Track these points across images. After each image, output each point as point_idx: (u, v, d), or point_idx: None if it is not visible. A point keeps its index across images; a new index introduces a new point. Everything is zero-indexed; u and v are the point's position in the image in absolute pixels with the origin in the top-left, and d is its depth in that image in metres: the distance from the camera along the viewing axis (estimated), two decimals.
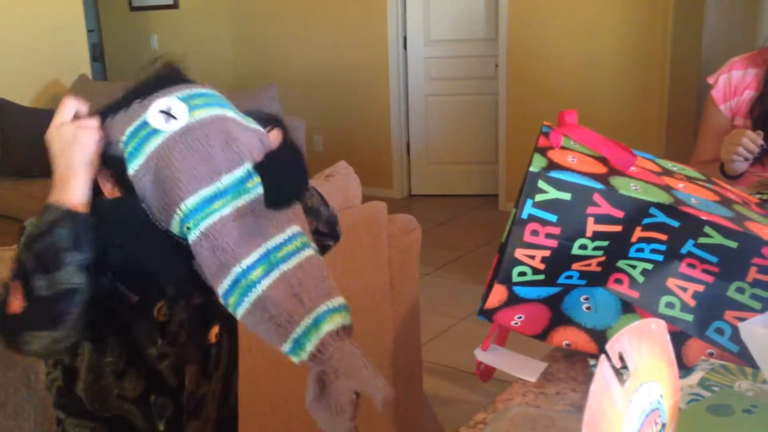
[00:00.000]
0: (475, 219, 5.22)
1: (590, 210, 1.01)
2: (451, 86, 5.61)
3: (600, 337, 1.07)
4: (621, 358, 0.56)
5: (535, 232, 1.01)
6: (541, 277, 1.04)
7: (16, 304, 0.86)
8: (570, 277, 1.05)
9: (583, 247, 1.02)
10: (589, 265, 1.04)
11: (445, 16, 5.48)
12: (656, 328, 0.63)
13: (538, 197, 1.00)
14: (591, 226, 1.01)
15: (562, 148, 1.08)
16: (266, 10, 6.07)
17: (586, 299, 1.08)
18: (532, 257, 1.02)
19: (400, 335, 2.31)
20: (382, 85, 5.67)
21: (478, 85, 5.53)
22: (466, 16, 5.42)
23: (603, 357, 0.55)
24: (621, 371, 0.55)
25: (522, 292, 1.06)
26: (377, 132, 5.78)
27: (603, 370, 0.54)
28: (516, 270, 1.03)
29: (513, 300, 1.06)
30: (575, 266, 1.04)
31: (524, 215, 1.01)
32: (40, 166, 4.46)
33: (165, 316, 1.03)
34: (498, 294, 1.06)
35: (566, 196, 1.00)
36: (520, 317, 1.08)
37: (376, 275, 2.17)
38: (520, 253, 1.02)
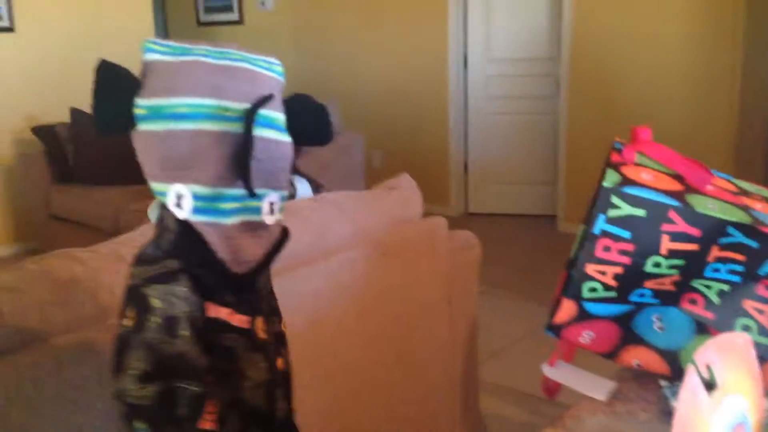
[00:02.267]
0: (533, 239, 5.17)
1: (665, 227, 0.99)
2: (511, 105, 5.59)
3: (672, 359, 1.05)
4: (708, 369, 0.55)
5: (607, 248, 1.00)
6: (613, 294, 1.02)
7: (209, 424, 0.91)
8: (643, 295, 1.04)
9: (657, 264, 1.00)
10: (662, 283, 1.02)
11: (506, 35, 5.47)
12: (742, 342, 0.62)
13: (612, 213, 0.99)
14: (666, 244, 0.99)
15: (636, 164, 1.07)
16: (328, 27, 6.15)
17: (659, 319, 1.06)
18: (604, 273, 1.01)
19: (456, 352, 2.30)
20: (441, 103, 5.68)
21: (538, 104, 5.50)
22: (528, 35, 5.40)
23: (692, 367, 0.54)
24: (708, 382, 0.54)
25: (592, 308, 1.04)
26: (436, 149, 5.78)
27: (691, 379, 0.53)
28: (586, 285, 1.02)
29: (583, 316, 1.05)
30: (648, 284, 1.02)
31: (596, 230, 1.00)
32: (109, 175, 4.61)
33: (265, 332, 1.01)
34: (567, 309, 1.05)
35: (641, 212, 0.98)
36: (590, 334, 1.06)
37: (434, 290, 2.17)
38: (591, 269, 1.01)
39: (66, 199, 4.53)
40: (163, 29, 7.27)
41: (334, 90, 6.13)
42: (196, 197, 0.94)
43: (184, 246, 0.96)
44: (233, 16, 6.70)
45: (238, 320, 0.98)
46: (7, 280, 1.36)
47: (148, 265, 0.96)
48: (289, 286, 1.68)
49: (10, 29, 4.86)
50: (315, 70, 6.33)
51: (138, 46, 5.34)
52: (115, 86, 0.92)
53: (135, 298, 0.94)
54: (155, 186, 0.94)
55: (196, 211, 0.94)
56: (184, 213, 0.94)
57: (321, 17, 6.19)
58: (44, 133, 4.71)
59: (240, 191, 0.96)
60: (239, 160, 0.94)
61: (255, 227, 0.98)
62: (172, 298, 0.94)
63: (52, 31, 5.09)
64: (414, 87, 5.80)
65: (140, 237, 1.57)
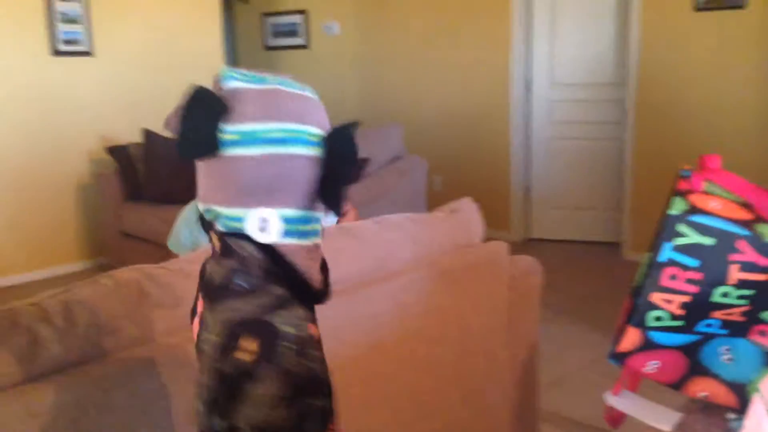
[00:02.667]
0: (596, 266, 5.08)
1: (734, 257, 0.97)
2: (575, 130, 5.54)
3: (740, 391, 1.02)
4: None
5: (673, 277, 0.99)
6: (680, 323, 1.01)
7: None
8: (710, 325, 1.02)
9: (725, 294, 0.98)
10: (731, 314, 1.00)
11: (571, 60, 5.43)
12: None
13: (678, 241, 0.98)
14: (735, 274, 0.97)
15: (704, 192, 1.05)
16: (391, 51, 6.22)
17: (727, 350, 1.04)
18: (670, 302, 1.00)
19: (516, 379, 2.28)
20: (504, 127, 5.67)
21: (603, 129, 5.43)
22: (593, 60, 5.35)
23: (757, 396, 0.53)
24: None
25: (658, 337, 1.03)
26: (497, 173, 5.76)
27: (756, 408, 0.52)
28: (652, 314, 1.01)
29: (648, 345, 1.03)
30: (716, 314, 1.00)
31: (662, 259, 0.99)
32: (177, 194, 4.75)
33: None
34: (631, 338, 1.03)
35: (709, 241, 0.97)
36: (655, 363, 1.05)
37: (495, 316, 2.15)
38: (656, 297, 1.00)
39: (135, 217, 4.68)
40: (232, 54, 7.46)
41: (396, 114, 6.18)
42: (286, 220, 0.97)
43: (278, 271, 0.98)
44: (300, 40, 6.84)
45: (318, 335, 1.02)
46: (82, 295, 1.41)
47: (253, 296, 0.96)
48: (350, 307, 1.70)
49: (88, 53, 5.07)
50: (378, 94, 6.40)
51: (208, 71, 5.52)
52: (205, 111, 0.94)
53: (257, 328, 0.94)
54: (230, 212, 0.96)
55: (287, 234, 0.97)
56: (270, 237, 0.96)
57: (385, 42, 6.26)
58: (118, 152, 4.89)
59: (318, 214, 1.00)
60: (334, 184, 0.97)
61: (317, 249, 1.03)
62: (298, 321, 0.96)
63: (128, 56, 5.30)
64: (476, 111, 5.80)
65: (204, 255, 1.61)
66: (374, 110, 6.38)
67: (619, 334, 1.06)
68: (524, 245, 5.62)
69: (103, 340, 1.37)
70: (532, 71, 5.57)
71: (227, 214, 0.97)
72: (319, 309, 1.31)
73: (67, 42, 4.96)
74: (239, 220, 0.96)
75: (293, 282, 0.99)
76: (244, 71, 0.99)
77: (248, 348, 0.93)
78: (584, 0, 5.30)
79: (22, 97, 4.81)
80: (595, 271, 4.97)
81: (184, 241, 2.43)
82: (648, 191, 5.01)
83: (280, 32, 7.01)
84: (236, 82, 0.97)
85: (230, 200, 0.96)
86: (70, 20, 4.95)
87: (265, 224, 0.96)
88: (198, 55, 5.65)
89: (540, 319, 2.40)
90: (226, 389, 0.94)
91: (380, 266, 1.88)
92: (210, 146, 0.94)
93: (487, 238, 2.30)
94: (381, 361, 1.80)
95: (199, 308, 1.03)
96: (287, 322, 0.95)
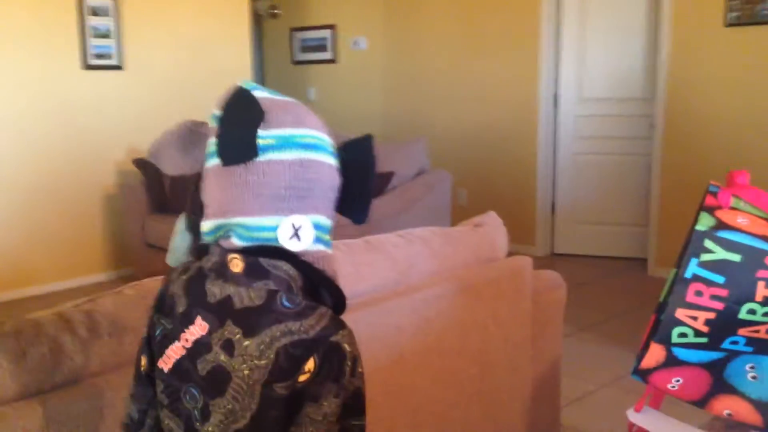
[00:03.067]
0: (622, 282, 5.03)
1: (761, 273, 0.96)
2: (601, 145, 5.50)
3: (765, 409, 1.00)
4: None
5: (699, 293, 0.97)
6: (704, 340, 0.99)
7: None
8: (735, 342, 1.00)
9: (751, 312, 0.97)
10: (757, 331, 0.99)
11: (599, 75, 5.41)
12: None
13: (705, 257, 0.97)
14: (761, 291, 0.96)
15: (732, 208, 1.04)
16: (418, 66, 6.24)
17: (752, 368, 1.02)
18: (695, 318, 0.98)
19: (538, 395, 2.26)
20: (530, 141, 5.65)
21: (630, 144, 5.39)
22: (621, 75, 5.32)
23: None
24: None
25: (682, 354, 1.01)
26: (523, 188, 5.74)
27: None
28: (676, 330, 1.00)
29: (671, 362, 1.02)
30: (742, 332, 0.99)
31: (688, 274, 0.98)
32: (201, 206, 4.80)
33: None
34: (655, 354, 1.02)
35: (736, 257, 0.96)
36: (678, 380, 1.03)
37: (518, 330, 2.14)
38: (681, 314, 0.99)
39: (160, 228, 4.72)
40: (260, 68, 7.54)
41: (423, 128, 6.19)
42: (317, 227, 0.98)
43: (316, 284, 0.99)
44: (327, 55, 6.89)
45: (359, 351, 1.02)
46: (106, 305, 1.43)
47: (302, 317, 0.94)
48: (372, 320, 1.70)
49: (119, 67, 5.15)
50: (404, 107, 6.42)
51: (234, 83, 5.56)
52: (245, 116, 0.95)
53: (318, 348, 0.93)
54: (259, 221, 0.95)
55: (317, 240, 0.97)
56: (302, 244, 0.96)
57: (412, 57, 6.28)
58: (144, 164, 4.95)
59: (332, 223, 1.01)
60: (355, 193, 0.98)
61: (334, 258, 1.04)
62: (351, 339, 0.95)
63: (157, 70, 5.37)
64: (503, 125, 5.79)
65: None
66: (401, 124, 6.40)
67: (643, 350, 1.05)
68: (549, 260, 5.58)
69: (125, 350, 1.38)
70: (560, 86, 5.55)
71: (255, 224, 0.95)
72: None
73: (98, 56, 5.04)
74: (271, 229, 0.95)
75: (334, 293, 1.00)
76: (260, 86, 1.01)
77: (310, 369, 0.92)
78: (613, 15, 5.28)
79: (53, 109, 4.89)
80: (621, 287, 4.92)
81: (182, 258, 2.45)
82: (675, 207, 4.96)
83: (308, 47, 7.07)
84: (261, 92, 0.98)
85: (262, 208, 0.95)
86: (102, 35, 5.04)
87: (298, 231, 0.95)
88: (227, 70, 5.71)
89: (565, 334, 2.38)
90: (281, 413, 0.93)
91: (404, 279, 1.87)
92: (251, 151, 0.94)
93: (512, 253, 2.28)
94: (403, 374, 1.79)
95: (199, 332, 0.99)
96: (345, 340, 0.94)
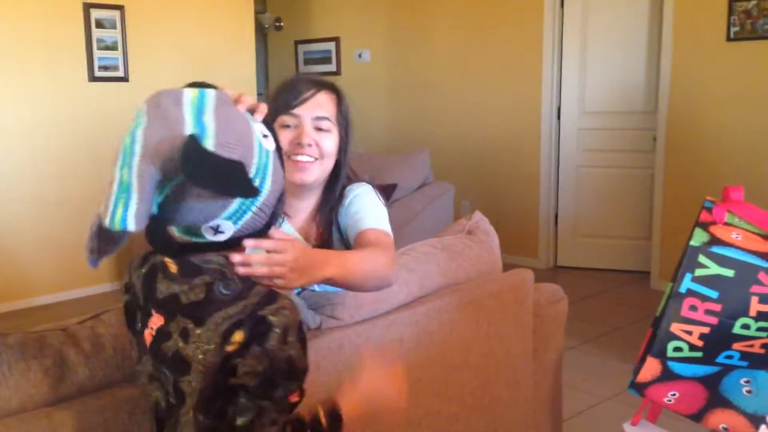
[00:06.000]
0: (625, 295, 5.03)
1: (755, 289, 0.97)
2: (604, 158, 5.51)
3: (761, 423, 1.01)
4: None
5: (693, 308, 0.99)
6: (699, 354, 1.01)
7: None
8: (730, 357, 1.01)
9: (745, 326, 0.98)
10: (751, 345, 1.00)
11: (601, 88, 5.43)
12: None
13: (699, 272, 0.98)
14: (755, 306, 0.97)
15: (726, 224, 1.05)
16: (421, 78, 6.27)
17: (747, 382, 1.03)
18: (690, 333, 1.00)
19: (540, 408, 2.26)
20: (532, 154, 5.66)
21: (633, 158, 5.40)
22: (624, 89, 5.34)
23: (763, 427, 0.53)
24: None
25: (677, 368, 1.03)
26: (525, 200, 5.75)
27: None
28: (671, 345, 1.01)
29: (667, 376, 1.03)
30: (736, 346, 1.00)
31: (682, 289, 0.99)
32: None
33: None
34: (651, 368, 1.03)
35: (729, 272, 0.97)
36: (674, 394, 1.04)
37: (519, 343, 2.15)
38: (676, 328, 1.00)
39: None
40: (264, 80, 7.58)
41: (424, 140, 6.21)
42: (234, 215, 1.05)
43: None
44: (331, 67, 6.93)
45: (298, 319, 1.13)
46: (110, 318, 1.44)
47: (240, 299, 1.05)
48: (373, 332, 1.71)
49: (125, 79, 5.19)
50: (408, 119, 6.44)
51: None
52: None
53: (246, 322, 1.03)
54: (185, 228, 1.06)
55: (238, 221, 1.06)
56: (226, 235, 1.05)
57: (415, 69, 6.32)
58: None
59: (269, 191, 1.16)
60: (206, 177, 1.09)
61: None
62: (283, 311, 1.05)
63: (162, 82, 5.37)
64: (505, 138, 5.81)
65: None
66: (404, 136, 6.42)
67: (639, 364, 1.06)
68: (552, 273, 5.59)
69: (129, 363, 1.40)
70: (562, 99, 5.57)
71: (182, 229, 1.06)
72: (345, 334, 1.34)
73: (104, 68, 5.08)
74: (199, 236, 1.05)
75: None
76: None
77: (236, 339, 1.02)
78: (616, 28, 5.30)
79: (60, 120, 4.93)
80: (623, 300, 4.92)
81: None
82: (678, 220, 4.96)
83: (312, 59, 7.12)
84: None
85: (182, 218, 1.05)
86: (108, 47, 5.08)
87: (218, 228, 1.04)
88: (232, 82, 5.72)
89: (567, 348, 2.39)
90: (220, 380, 1.02)
91: (404, 292, 1.88)
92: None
93: (515, 265, 2.29)
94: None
95: (158, 322, 1.08)
96: (273, 312, 1.04)
